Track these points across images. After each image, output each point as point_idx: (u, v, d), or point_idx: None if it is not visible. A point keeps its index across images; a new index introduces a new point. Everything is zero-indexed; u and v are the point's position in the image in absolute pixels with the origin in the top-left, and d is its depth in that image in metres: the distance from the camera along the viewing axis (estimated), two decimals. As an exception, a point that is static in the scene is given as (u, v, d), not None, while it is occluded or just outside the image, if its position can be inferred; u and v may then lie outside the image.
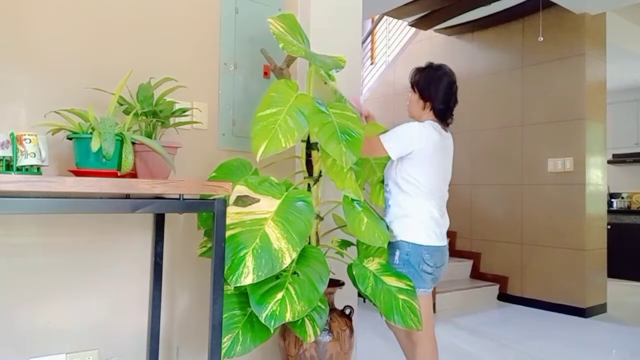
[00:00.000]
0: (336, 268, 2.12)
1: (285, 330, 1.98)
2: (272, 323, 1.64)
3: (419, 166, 2.05)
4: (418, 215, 2.06)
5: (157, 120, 1.73)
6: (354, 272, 1.94)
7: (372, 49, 7.49)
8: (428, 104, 2.13)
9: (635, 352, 3.48)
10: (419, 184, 2.05)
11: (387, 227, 2.08)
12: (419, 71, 2.19)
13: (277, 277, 1.73)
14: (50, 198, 1.35)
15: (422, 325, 1.96)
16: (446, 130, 2.16)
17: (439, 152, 2.09)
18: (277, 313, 1.66)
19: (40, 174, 1.45)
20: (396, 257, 2.05)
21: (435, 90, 2.12)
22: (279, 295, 1.70)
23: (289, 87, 1.93)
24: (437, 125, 2.12)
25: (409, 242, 2.04)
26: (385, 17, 6.62)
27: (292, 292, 1.71)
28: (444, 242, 2.11)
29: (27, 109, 1.75)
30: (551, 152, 4.75)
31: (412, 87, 2.18)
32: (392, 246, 2.07)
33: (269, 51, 2.13)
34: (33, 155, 1.41)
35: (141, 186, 1.41)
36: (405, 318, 1.92)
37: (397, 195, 2.10)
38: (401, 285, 1.99)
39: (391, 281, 1.99)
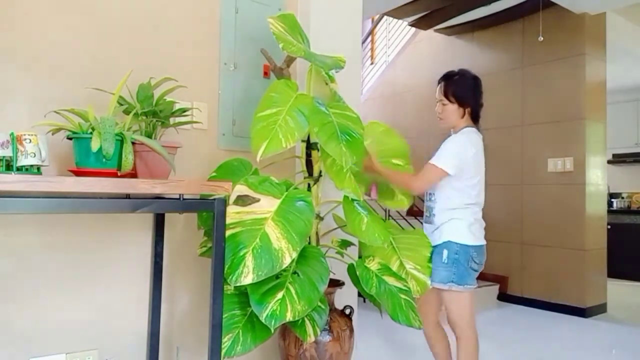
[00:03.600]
0: (336, 268, 2.12)
1: (285, 330, 1.98)
2: (273, 323, 1.64)
3: (469, 173, 2.15)
4: (466, 218, 2.16)
5: (157, 120, 1.73)
6: (357, 273, 1.94)
7: (372, 49, 7.49)
8: (467, 110, 2.22)
9: (635, 352, 3.48)
10: (468, 191, 2.16)
11: (431, 233, 2.24)
12: (448, 81, 2.24)
13: (277, 276, 1.73)
14: (50, 198, 1.34)
15: (422, 324, 1.98)
16: (479, 131, 2.27)
17: (482, 157, 2.21)
18: (278, 313, 1.66)
19: (40, 174, 1.45)
20: (444, 256, 2.14)
21: (470, 93, 2.22)
22: (279, 295, 1.70)
23: (289, 87, 1.93)
24: (475, 129, 2.24)
25: (458, 243, 2.14)
26: (385, 17, 6.62)
27: (293, 291, 1.71)
28: (485, 240, 2.25)
29: (27, 109, 1.75)
30: (551, 152, 4.75)
31: (447, 97, 2.23)
32: (439, 247, 2.18)
33: (269, 51, 2.13)
34: (33, 155, 1.41)
35: (141, 186, 1.41)
36: (409, 317, 1.93)
37: (445, 202, 2.19)
38: (400, 285, 2.00)
39: (392, 281, 2.00)
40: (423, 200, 2.38)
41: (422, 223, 2.41)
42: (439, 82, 2.28)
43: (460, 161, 2.13)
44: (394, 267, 2.16)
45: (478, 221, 2.21)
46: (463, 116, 2.23)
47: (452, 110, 2.23)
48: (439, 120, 2.30)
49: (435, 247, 2.20)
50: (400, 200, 2.35)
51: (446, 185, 2.18)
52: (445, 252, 2.15)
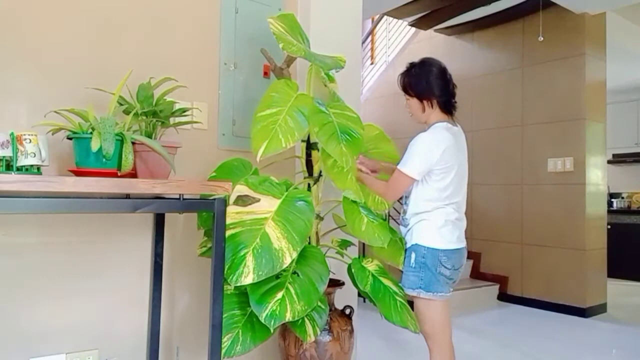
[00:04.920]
0: (336, 268, 2.12)
1: (285, 330, 1.98)
2: (272, 323, 1.64)
3: (438, 175, 1.97)
4: (435, 219, 1.98)
5: (157, 120, 1.73)
6: (352, 271, 1.94)
7: (372, 49, 7.49)
8: (429, 102, 2.02)
9: (635, 352, 3.48)
10: (438, 193, 1.97)
11: (405, 236, 2.08)
12: (405, 74, 2.08)
13: (277, 276, 1.73)
14: (50, 198, 1.34)
15: (419, 329, 1.96)
16: (455, 124, 2.07)
17: (455, 153, 1.99)
18: (277, 313, 1.66)
19: (40, 174, 1.45)
20: (412, 260, 1.98)
21: (430, 84, 2.01)
22: (279, 295, 1.70)
23: (289, 87, 1.93)
24: (447, 124, 2.02)
25: (425, 246, 1.97)
26: (385, 17, 6.62)
27: (292, 291, 1.71)
28: (462, 243, 2.03)
29: (27, 109, 1.75)
30: (551, 152, 4.75)
31: (406, 92, 2.07)
32: (409, 250, 2.03)
33: (269, 51, 2.13)
34: (33, 155, 1.41)
35: (141, 186, 1.41)
36: (404, 319, 1.92)
37: (415, 205, 2.02)
38: (396, 289, 1.99)
39: (388, 283, 1.99)
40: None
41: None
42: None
43: (426, 165, 1.95)
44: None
45: (451, 222, 2.00)
46: (424, 110, 2.04)
47: (415, 104, 2.06)
48: (410, 117, 2.14)
49: (406, 249, 2.06)
50: (380, 201, 2.25)
51: (419, 187, 2.01)
52: (413, 256, 1.99)
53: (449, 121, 2.05)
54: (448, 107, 2.05)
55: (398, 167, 1.99)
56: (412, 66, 2.08)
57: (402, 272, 2.05)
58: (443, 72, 2.05)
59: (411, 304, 2.01)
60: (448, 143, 1.96)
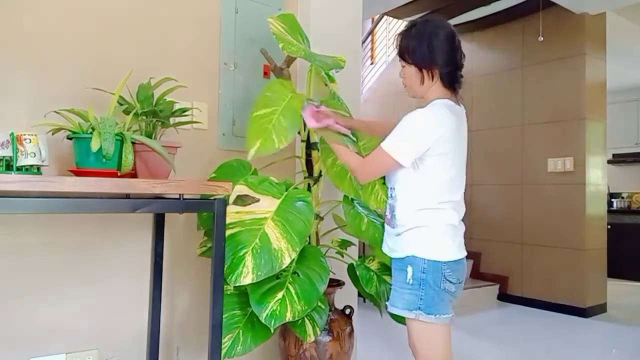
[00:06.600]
0: (336, 268, 2.12)
1: (286, 330, 1.98)
2: (273, 323, 1.64)
3: (436, 162, 1.60)
4: (437, 225, 1.62)
5: (157, 120, 1.73)
6: (357, 273, 1.94)
7: (372, 49, 7.48)
8: (430, 72, 1.63)
9: (635, 352, 3.48)
10: (436, 185, 1.61)
11: (392, 241, 1.72)
12: (403, 35, 1.66)
13: (277, 276, 1.73)
14: (50, 198, 1.35)
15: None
16: (458, 103, 1.69)
17: (455, 138, 1.62)
18: (277, 313, 1.66)
19: (40, 174, 1.45)
20: (408, 276, 1.60)
21: (433, 50, 1.61)
22: (279, 295, 1.70)
23: (284, 86, 1.93)
24: (449, 102, 1.64)
25: (426, 259, 1.59)
26: (385, 17, 6.62)
27: (292, 291, 1.71)
28: (464, 252, 1.68)
29: (27, 109, 1.75)
30: (551, 152, 4.75)
31: (403, 57, 1.66)
32: (402, 262, 1.64)
33: (269, 51, 2.13)
34: (33, 155, 1.41)
35: (141, 186, 1.41)
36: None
37: (409, 200, 1.64)
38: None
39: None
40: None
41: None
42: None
43: (418, 148, 1.57)
44: None
45: (453, 228, 1.64)
46: (423, 82, 1.64)
47: (412, 74, 1.65)
48: (404, 89, 1.74)
49: (396, 259, 1.68)
50: (382, 200, 1.96)
51: (409, 178, 1.62)
52: (409, 270, 1.60)
53: (452, 99, 1.67)
54: (452, 82, 1.67)
55: (382, 144, 1.61)
56: (412, 25, 1.67)
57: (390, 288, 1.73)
58: (451, 36, 1.66)
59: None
60: (449, 126, 1.60)
